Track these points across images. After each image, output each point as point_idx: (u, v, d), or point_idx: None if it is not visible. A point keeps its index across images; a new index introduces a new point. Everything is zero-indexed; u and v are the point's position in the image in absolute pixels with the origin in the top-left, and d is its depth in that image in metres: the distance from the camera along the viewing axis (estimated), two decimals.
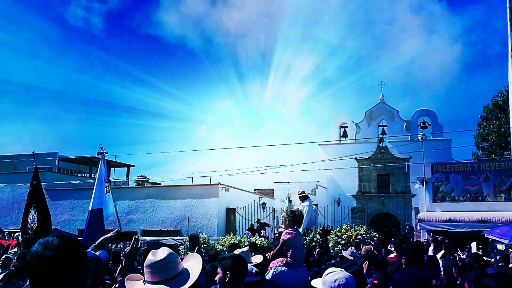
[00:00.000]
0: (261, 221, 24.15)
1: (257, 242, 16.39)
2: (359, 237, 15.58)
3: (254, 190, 35.04)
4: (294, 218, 6.63)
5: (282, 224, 6.96)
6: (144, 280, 2.59)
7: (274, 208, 27.83)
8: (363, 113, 37.11)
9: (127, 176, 43.34)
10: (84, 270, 1.82)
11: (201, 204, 25.58)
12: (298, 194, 16.84)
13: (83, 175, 42.85)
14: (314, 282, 3.58)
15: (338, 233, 15.78)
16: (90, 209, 10.53)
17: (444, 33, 68.15)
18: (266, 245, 15.17)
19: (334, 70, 75.23)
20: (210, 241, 17.58)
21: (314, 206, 16.71)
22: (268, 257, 6.02)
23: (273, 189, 37.38)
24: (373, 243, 15.19)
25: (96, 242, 4.17)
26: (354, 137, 35.93)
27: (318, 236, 15.74)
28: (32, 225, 10.41)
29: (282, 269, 6.15)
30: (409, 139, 33.85)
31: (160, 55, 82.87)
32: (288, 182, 35.52)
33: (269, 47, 71.86)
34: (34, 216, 10.48)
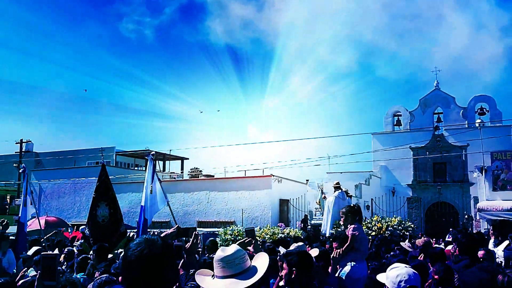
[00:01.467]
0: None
1: (297, 234, 16.56)
2: (389, 228, 15.33)
3: (307, 181, 34.99)
4: (353, 212, 6.65)
5: (341, 221, 6.96)
6: (213, 275, 2.70)
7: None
8: (417, 101, 36.22)
9: (181, 168, 44.23)
10: (178, 269, 1.97)
11: (254, 196, 25.85)
12: (334, 185, 16.80)
13: (139, 168, 44.11)
14: (379, 277, 3.59)
15: (369, 225, 15.61)
16: (142, 204, 10.96)
17: (501, 17, 65.22)
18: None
19: (384, 59, 73.57)
20: (263, 234, 17.72)
21: (348, 198, 16.54)
22: (336, 254, 6.02)
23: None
24: (407, 233, 14.86)
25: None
26: (408, 125, 35.14)
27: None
28: (102, 218, 10.87)
29: (356, 264, 6.20)
30: (466, 126, 32.78)
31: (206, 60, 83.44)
32: (341, 173, 35.26)
33: (312, 44, 71.04)
34: (106, 210, 10.93)
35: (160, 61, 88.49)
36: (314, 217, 22.44)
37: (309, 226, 18.71)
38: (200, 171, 44.25)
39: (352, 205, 7.08)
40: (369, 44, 69.63)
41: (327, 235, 14.54)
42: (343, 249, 6.18)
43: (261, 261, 2.83)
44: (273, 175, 26.14)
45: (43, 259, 3.49)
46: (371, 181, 32.28)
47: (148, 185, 10.86)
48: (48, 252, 4.95)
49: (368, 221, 15.98)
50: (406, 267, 3.42)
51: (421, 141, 32.09)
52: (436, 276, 4.93)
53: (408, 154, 32.47)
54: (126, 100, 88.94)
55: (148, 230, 11.11)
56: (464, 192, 30.80)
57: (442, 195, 31.17)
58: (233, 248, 2.77)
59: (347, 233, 6.50)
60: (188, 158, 46.81)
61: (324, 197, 17.75)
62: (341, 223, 7.13)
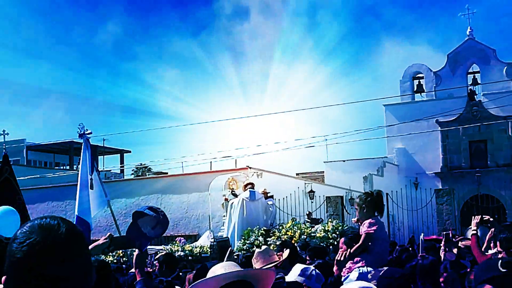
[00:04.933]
0: (312, 215, 24.20)
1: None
2: (303, 236, 15.87)
3: (297, 174, 35.10)
4: (370, 202, 6.66)
5: (356, 214, 6.99)
6: None
7: (326, 197, 27.84)
8: (444, 56, 36.54)
9: (121, 164, 43.94)
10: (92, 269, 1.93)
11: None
12: (244, 184, 17.80)
13: (61, 167, 43.63)
14: None
15: (278, 233, 16.26)
16: (76, 214, 10.49)
17: None
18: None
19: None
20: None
21: (267, 201, 17.45)
22: (341, 256, 6.08)
23: (322, 172, 37.44)
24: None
25: None
26: (434, 91, 35.46)
27: (260, 238, 16.18)
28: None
29: (367, 271, 6.22)
30: None
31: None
32: (344, 161, 35.55)
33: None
34: None
35: None
36: (221, 227, 22.50)
37: (212, 240, 19.04)
38: (148, 168, 44.04)
39: (369, 191, 7.10)
40: None
41: (234, 250, 14.83)
42: (352, 249, 6.22)
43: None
44: (250, 167, 26.09)
45: None
46: (385, 170, 32.56)
47: (85, 177, 10.52)
48: None
49: (278, 228, 16.70)
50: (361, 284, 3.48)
51: (451, 112, 32.40)
52: None
53: (435, 132, 32.79)
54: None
55: None
56: None
57: (483, 185, 31.60)
58: None
59: (360, 230, 6.59)
60: (130, 151, 46.57)
61: (226, 199, 18.47)
62: (355, 219, 7.17)
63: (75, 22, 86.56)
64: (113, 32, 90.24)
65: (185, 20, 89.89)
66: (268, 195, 18.07)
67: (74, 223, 8.92)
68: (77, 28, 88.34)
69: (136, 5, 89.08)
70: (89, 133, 10.80)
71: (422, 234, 14.96)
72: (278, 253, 7.30)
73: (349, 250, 6.20)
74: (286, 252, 7.12)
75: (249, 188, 17.41)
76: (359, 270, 6.23)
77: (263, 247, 7.88)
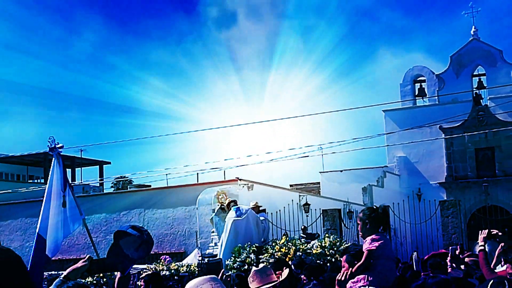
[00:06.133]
0: (307, 230, 24.19)
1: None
2: (299, 253, 15.99)
3: (291, 186, 35.08)
4: (373, 218, 6.65)
5: (359, 229, 6.96)
6: None
7: (322, 210, 27.81)
8: (447, 58, 36.68)
9: (100, 177, 43.84)
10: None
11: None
12: (229, 202, 18.08)
13: (35, 180, 43.45)
14: None
15: (271, 250, 16.41)
16: (37, 231, 10.42)
17: None
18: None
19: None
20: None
21: (259, 216, 17.83)
22: (343, 276, 6.04)
23: (318, 183, 37.41)
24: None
25: (62, 275, 4.23)
26: (436, 95, 35.56)
27: (252, 255, 16.21)
28: None
29: None
30: None
31: None
32: (341, 171, 35.53)
33: None
34: None
35: None
36: (209, 244, 22.47)
37: (200, 258, 19.07)
38: (130, 180, 43.92)
39: (373, 207, 7.08)
40: None
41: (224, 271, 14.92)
42: (354, 268, 6.19)
43: None
44: (240, 179, 26.06)
45: None
46: (385, 180, 32.60)
47: (55, 194, 10.45)
48: None
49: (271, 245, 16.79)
50: None
51: (456, 117, 32.48)
52: None
53: (439, 139, 32.84)
54: None
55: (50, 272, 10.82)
56: None
57: (491, 196, 31.65)
58: None
59: (363, 247, 6.55)
60: (109, 162, 46.44)
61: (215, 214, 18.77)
62: (360, 234, 7.14)
63: (50, 32, 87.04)
64: (91, 41, 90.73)
65: (167, 29, 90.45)
66: (260, 209, 18.08)
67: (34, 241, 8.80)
68: (52, 37, 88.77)
69: (115, 14, 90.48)
70: (60, 147, 10.69)
71: (415, 252, 15.01)
72: (276, 272, 7.25)
73: (350, 269, 6.16)
74: (285, 272, 7.02)
75: (232, 205, 17.49)
76: None
77: (261, 265, 7.81)
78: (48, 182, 10.72)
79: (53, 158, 10.74)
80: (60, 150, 10.75)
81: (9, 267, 2.10)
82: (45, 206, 10.38)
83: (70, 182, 11.31)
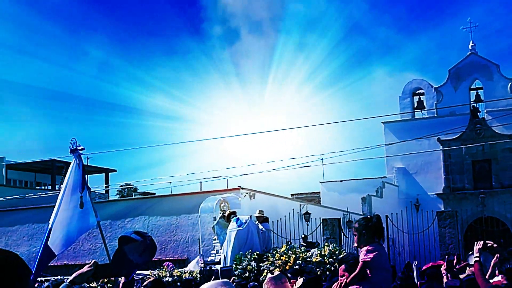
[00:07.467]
0: (307, 238, 24.19)
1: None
2: (298, 261, 16.09)
3: (292, 195, 35.11)
4: (369, 228, 6.63)
5: (355, 240, 6.94)
6: None
7: (322, 219, 27.84)
8: (445, 72, 36.73)
9: (106, 184, 43.81)
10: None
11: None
12: (228, 213, 18.48)
13: (43, 187, 43.45)
14: None
15: (272, 258, 16.45)
16: (50, 227, 10.38)
17: None
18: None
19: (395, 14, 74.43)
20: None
21: (263, 225, 17.88)
22: (338, 287, 6.07)
23: (318, 193, 37.42)
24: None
25: (68, 280, 4.25)
26: (435, 108, 35.61)
27: (253, 263, 16.28)
28: None
29: None
30: None
31: None
32: (341, 181, 35.56)
33: None
34: None
35: None
36: (211, 252, 22.48)
37: (202, 265, 19.14)
38: (134, 188, 43.91)
39: (368, 216, 7.07)
40: None
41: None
42: (349, 279, 6.20)
43: None
44: (243, 188, 26.09)
45: None
46: (384, 191, 32.60)
47: (71, 196, 10.42)
48: None
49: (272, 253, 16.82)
50: None
51: (453, 130, 32.51)
52: None
53: (436, 151, 32.88)
54: None
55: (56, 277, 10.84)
56: None
57: (487, 207, 31.64)
58: None
59: (360, 257, 6.54)
60: (115, 170, 46.40)
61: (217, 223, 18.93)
62: (355, 245, 7.13)
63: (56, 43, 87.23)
64: (96, 56, 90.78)
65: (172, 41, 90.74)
66: (264, 218, 18.18)
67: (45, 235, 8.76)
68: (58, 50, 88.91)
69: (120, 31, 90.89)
70: (81, 149, 10.60)
71: (416, 262, 15.04)
72: (291, 281, 7.23)
73: (345, 279, 6.16)
74: (300, 281, 7.10)
75: (233, 217, 17.71)
76: None
77: (276, 272, 7.80)
78: (64, 183, 10.73)
79: (73, 159, 10.73)
80: (81, 152, 10.74)
81: (3, 269, 2.12)
82: (61, 202, 10.36)
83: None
